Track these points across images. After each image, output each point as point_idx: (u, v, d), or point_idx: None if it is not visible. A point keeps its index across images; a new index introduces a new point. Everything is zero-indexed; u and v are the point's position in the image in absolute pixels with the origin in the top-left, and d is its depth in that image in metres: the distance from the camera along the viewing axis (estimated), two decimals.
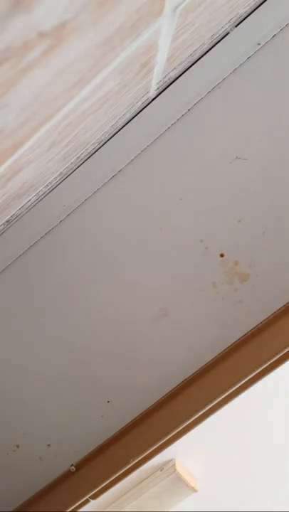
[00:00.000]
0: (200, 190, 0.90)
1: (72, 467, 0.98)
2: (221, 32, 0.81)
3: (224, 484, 1.20)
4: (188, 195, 0.91)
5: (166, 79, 0.81)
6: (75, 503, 0.97)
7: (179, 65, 0.80)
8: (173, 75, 0.84)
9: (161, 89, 0.87)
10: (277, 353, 0.85)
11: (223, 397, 0.88)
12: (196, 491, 1.12)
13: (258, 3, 0.83)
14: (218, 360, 0.90)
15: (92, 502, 0.97)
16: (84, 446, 0.99)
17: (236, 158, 0.88)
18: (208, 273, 0.91)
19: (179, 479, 1.08)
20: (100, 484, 0.95)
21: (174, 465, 1.08)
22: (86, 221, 0.95)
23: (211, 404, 0.89)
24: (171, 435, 0.91)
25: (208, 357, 0.92)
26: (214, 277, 0.91)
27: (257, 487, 1.20)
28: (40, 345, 0.99)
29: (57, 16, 0.23)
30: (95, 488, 0.95)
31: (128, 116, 0.88)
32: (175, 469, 1.07)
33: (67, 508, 0.97)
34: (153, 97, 0.88)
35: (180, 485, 1.10)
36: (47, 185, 0.86)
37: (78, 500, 0.96)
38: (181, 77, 0.88)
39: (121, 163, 0.91)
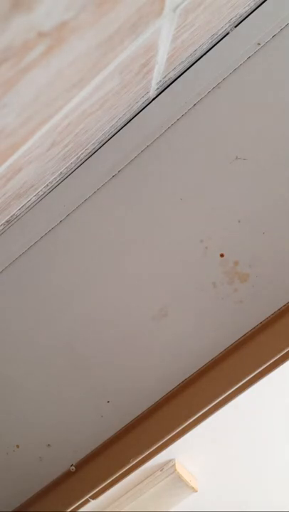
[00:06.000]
0: (200, 190, 0.90)
1: (72, 467, 0.98)
2: (221, 32, 0.81)
3: (224, 484, 1.20)
4: (189, 195, 0.91)
5: (166, 79, 0.81)
6: (75, 503, 0.97)
7: (179, 65, 0.80)
8: (173, 75, 0.84)
9: (161, 89, 0.87)
10: (277, 353, 0.85)
11: (223, 397, 0.88)
12: (196, 491, 1.12)
13: (258, 3, 0.83)
14: (218, 360, 0.90)
15: (92, 502, 0.97)
16: (84, 446, 0.99)
17: (236, 158, 0.88)
18: (208, 273, 0.91)
19: (179, 479, 1.08)
20: (100, 484, 0.95)
21: (174, 465, 1.08)
22: (86, 221, 0.95)
23: (211, 404, 0.89)
24: (171, 435, 0.91)
25: (208, 357, 0.92)
26: (214, 277, 0.91)
27: (257, 487, 1.20)
28: (40, 345, 0.99)
29: (57, 15, 0.23)
30: (95, 488, 0.95)
31: (128, 116, 0.88)
32: (175, 469, 1.07)
33: (67, 508, 0.97)
34: (153, 97, 0.88)
35: (180, 485, 1.10)
36: (47, 185, 0.86)
37: (78, 500, 0.96)
38: (181, 77, 0.88)
39: (121, 163, 0.91)
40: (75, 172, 0.93)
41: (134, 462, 0.93)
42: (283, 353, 0.85)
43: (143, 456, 0.93)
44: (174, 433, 0.91)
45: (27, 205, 0.89)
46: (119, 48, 0.37)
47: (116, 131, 0.91)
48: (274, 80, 0.86)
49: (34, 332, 0.99)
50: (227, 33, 0.85)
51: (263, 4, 0.84)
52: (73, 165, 0.88)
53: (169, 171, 0.91)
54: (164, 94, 0.89)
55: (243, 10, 0.79)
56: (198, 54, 0.85)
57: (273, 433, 1.13)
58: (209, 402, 0.88)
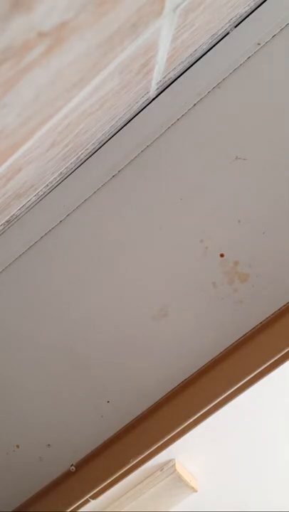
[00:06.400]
0: (200, 190, 0.90)
1: (72, 467, 0.98)
2: (221, 32, 0.81)
3: (224, 484, 1.20)
4: (189, 195, 0.91)
5: (166, 79, 0.81)
6: (75, 503, 0.97)
7: (179, 65, 0.80)
8: (173, 75, 0.84)
9: (161, 89, 0.87)
10: (277, 353, 0.85)
11: (223, 397, 0.88)
12: (196, 491, 1.12)
13: (258, 3, 0.83)
14: (218, 360, 0.90)
15: (92, 502, 0.97)
16: (84, 446, 0.99)
17: (236, 158, 0.88)
18: (208, 273, 0.91)
19: (179, 479, 1.08)
20: (100, 484, 0.95)
21: (174, 465, 1.08)
22: (86, 221, 0.95)
23: (211, 404, 0.89)
24: (171, 435, 0.91)
25: (208, 357, 0.92)
26: (214, 277, 0.91)
27: (257, 487, 1.20)
28: (40, 345, 0.99)
29: (57, 15, 0.23)
30: (95, 488, 0.95)
31: (128, 116, 0.88)
32: (175, 469, 1.07)
33: (67, 508, 0.97)
34: (153, 97, 0.88)
35: (180, 485, 1.10)
36: (47, 185, 0.86)
37: (78, 500, 0.96)
38: (181, 77, 0.88)
39: (121, 163, 0.91)
40: (75, 172, 0.93)
41: (134, 462, 0.93)
42: (283, 353, 0.85)
43: (143, 456, 0.93)
44: (174, 433, 0.91)
45: (27, 205, 0.89)
46: (119, 48, 0.37)
47: (116, 131, 0.91)
48: (274, 80, 0.86)
49: (34, 332, 0.99)
50: (227, 33, 0.85)
51: (263, 4, 0.84)
52: (73, 165, 0.88)
53: (169, 171, 0.91)
54: (164, 94, 0.89)
55: (243, 10, 0.79)
56: (198, 54, 0.85)
57: (273, 433, 1.13)
58: (209, 402, 0.88)
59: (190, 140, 0.90)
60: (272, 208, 0.88)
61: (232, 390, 0.87)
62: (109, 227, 0.94)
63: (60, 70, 0.30)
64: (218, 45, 0.86)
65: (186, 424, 0.90)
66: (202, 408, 0.89)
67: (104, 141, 0.91)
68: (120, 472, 0.94)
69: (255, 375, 0.87)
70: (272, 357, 0.85)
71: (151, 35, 0.41)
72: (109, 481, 0.95)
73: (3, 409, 1.03)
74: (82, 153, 0.84)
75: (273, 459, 1.17)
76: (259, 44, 0.85)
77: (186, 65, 0.86)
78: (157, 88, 0.83)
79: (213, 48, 0.86)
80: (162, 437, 0.91)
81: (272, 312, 0.88)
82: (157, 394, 0.94)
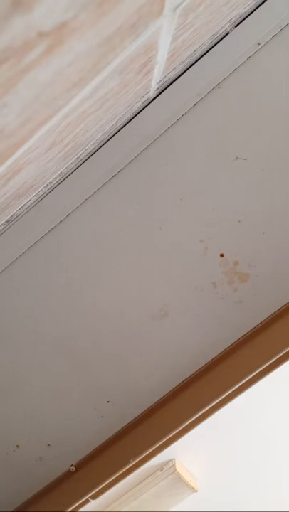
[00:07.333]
0: (200, 190, 0.90)
1: (72, 467, 0.98)
2: (221, 32, 0.81)
3: (224, 484, 1.20)
4: (189, 195, 0.91)
5: (166, 79, 0.81)
6: (75, 503, 0.97)
7: (179, 65, 0.80)
8: (173, 75, 0.84)
9: (161, 89, 0.87)
10: (277, 353, 0.85)
11: (223, 397, 0.88)
12: (196, 491, 1.12)
13: (258, 3, 0.83)
14: (218, 360, 0.90)
15: (92, 502, 0.97)
16: (84, 446, 0.99)
17: (236, 158, 0.88)
18: (208, 273, 0.91)
19: (179, 479, 1.08)
20: (100, 484, 0.95)
21: (174, 465, 1.08)
22: (86, 221, 0.95)
23: (211, 404, 0.89)
24: (171, 435, 0.91)
25: (209, 357, 0.92)
26: (214, 277, 0.91)
27: (257, 487, 1.20)
28: (41, 345, 0.99)
29: (57, 15, 0.23)
30: (95, 488, 0.95)
31: (128, 116, 0.88)
32: (175, 469, 1.07)
33: (67, 508, 0.97)
34: (153, 97, 0.88)
35: (180, 485, 1.10)
36: (47, 185, 0.86)
37: (78, 500, 0.96)
38: (181, 77, 0.88)
39: (121, 163, 0.91)
40: (75, 172, 0.93)
41: (134, 462, 0.93)
42: (283, 353, 0.85)
43: (143, 456, 0.93)
44: (174, 433, 0.91)
45: (27, 205, 0.89)
46: (119, 48, 0.37)
47: (116, 131, 0.91)
48: (274, 80, 0.86)
49: (34, 332, 0.99)
50: (227, 33, 0.85)
51: (263, 4, 0.84)
52: (73, 165, 0.88)
53: (169, 171, 0.91)
54: (164, 94, 0.89)
55: (243, 10, 0.79)
56: (198, 54, 0.85)
57: (273, 433, 1.13)
58: (209, 402, 0.88)
59: (190, 140, 0.90)
60: (272, 208, 0.88)
61: (232, 390, 0.87)
62: (109, 228, 0.94)
63: (60, 70, 0.30)
64: (218, 45, 0.86)
65: (186, 424, 0.90)
66: (202, 408, 0.89)
67: (105, 141, 0.91)
68: (120, 472, 0.94)
69: (255, 375, 0.87)
70: (272, 357, 0.85)
71: (151, 35, 0.41)
72: (109, 481, 0.95)
73: (4, 410, 1.03)
74: (82, 153, 0.84)
75: (273, 459, 1.17)
76: (259, 44, 0.85)
77: (186, 65, 0.86)
78: (157, 88, 0.83)
79: (213, 47, 0.86)
80: (162, 437, 0.91)
81: (272, 312, 0.88)
82: (157, 394, 0.94)
